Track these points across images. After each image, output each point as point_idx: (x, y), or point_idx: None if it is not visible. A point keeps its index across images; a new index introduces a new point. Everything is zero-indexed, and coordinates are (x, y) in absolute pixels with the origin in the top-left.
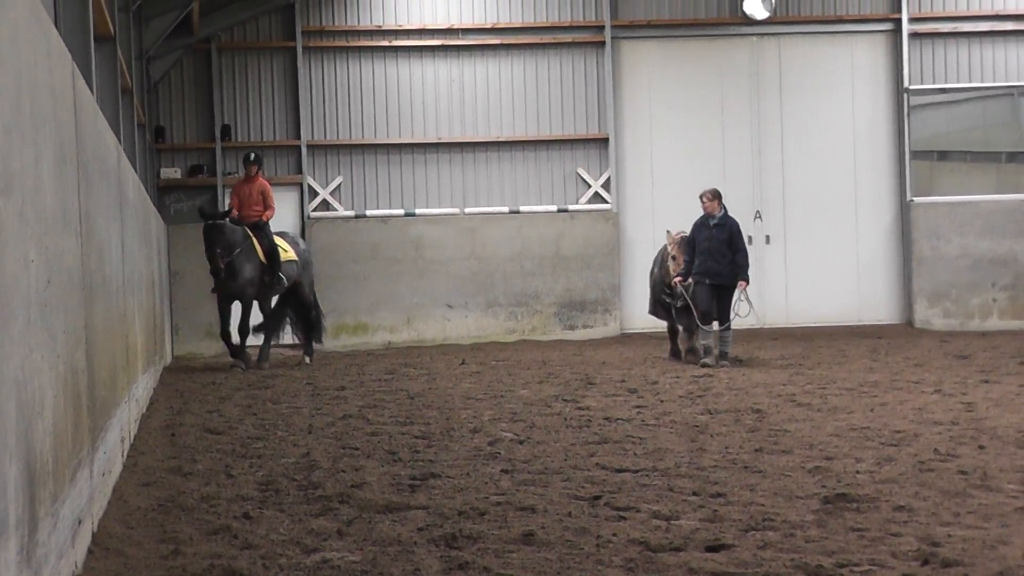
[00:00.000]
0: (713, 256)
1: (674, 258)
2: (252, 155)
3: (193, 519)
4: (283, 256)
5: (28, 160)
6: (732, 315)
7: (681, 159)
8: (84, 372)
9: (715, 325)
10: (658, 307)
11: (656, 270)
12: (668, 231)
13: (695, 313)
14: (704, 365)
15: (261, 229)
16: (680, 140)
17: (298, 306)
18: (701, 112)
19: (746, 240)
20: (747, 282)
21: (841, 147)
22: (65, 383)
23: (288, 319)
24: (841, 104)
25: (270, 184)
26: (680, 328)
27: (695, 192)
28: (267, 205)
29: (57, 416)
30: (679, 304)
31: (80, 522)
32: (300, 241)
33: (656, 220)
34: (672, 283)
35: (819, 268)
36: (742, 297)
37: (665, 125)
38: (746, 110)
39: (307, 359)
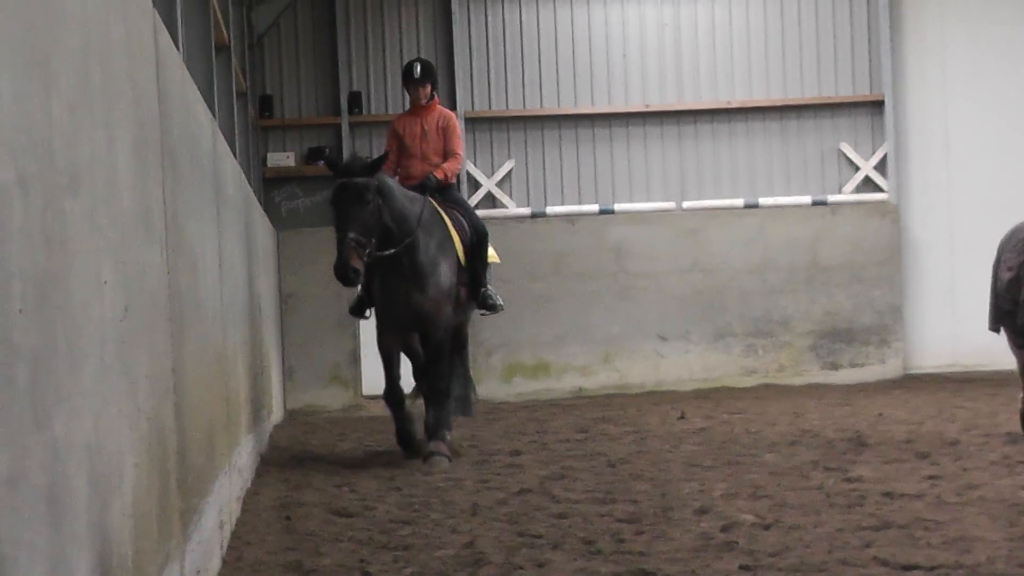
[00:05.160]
0: None
1: None
2: (418, 66)
3: None
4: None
5: (100, 147)
6: None
7: (989, 127)
8: (173, 432)
9: None
10: None
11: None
12: None
13: None
14: None
15: (449, 197)
16: (987, 101)
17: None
18: (1019, 60)
19: None
20: None
21: None
22: (149, 447)
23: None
24: None
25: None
26: None
27: (1010, 174)
28: (451, 151)
29: (139, 493)
30: None
31: None
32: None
33: (953, 214)
34: None
35: None
36: None
37: (965, 79)
38: None
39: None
